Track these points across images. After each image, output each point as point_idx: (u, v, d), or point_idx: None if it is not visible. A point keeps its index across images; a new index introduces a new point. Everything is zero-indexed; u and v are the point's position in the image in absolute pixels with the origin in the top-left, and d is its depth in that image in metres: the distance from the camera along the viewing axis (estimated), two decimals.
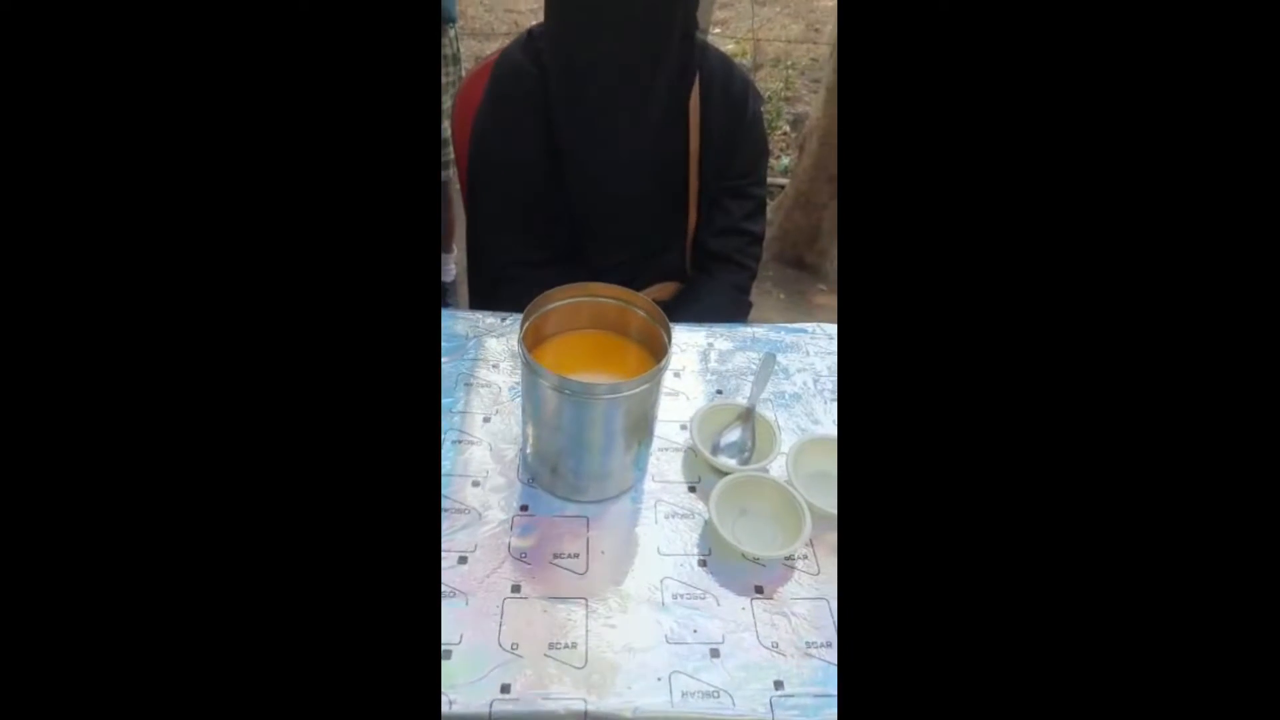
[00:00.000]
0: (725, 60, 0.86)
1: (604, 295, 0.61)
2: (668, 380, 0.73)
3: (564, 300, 0.60)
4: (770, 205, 2.23)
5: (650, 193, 0.85)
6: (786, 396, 0.73)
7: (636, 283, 0.92)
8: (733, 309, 0.92)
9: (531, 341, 0.59)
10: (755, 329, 0.82)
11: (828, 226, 1.99)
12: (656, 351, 0.59)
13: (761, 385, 0.69)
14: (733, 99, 0.85)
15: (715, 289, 0.91)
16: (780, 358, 0.77)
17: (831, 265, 2.11)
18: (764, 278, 2.04)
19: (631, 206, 0.85)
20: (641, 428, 0.59)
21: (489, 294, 0.90)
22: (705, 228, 0.91)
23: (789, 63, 3.13)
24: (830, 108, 1.83)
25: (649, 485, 0.63)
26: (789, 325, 0.83)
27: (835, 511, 0.60)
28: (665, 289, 0.93)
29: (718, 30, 3.55)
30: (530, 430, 0.58)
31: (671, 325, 0.81)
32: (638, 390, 0.53)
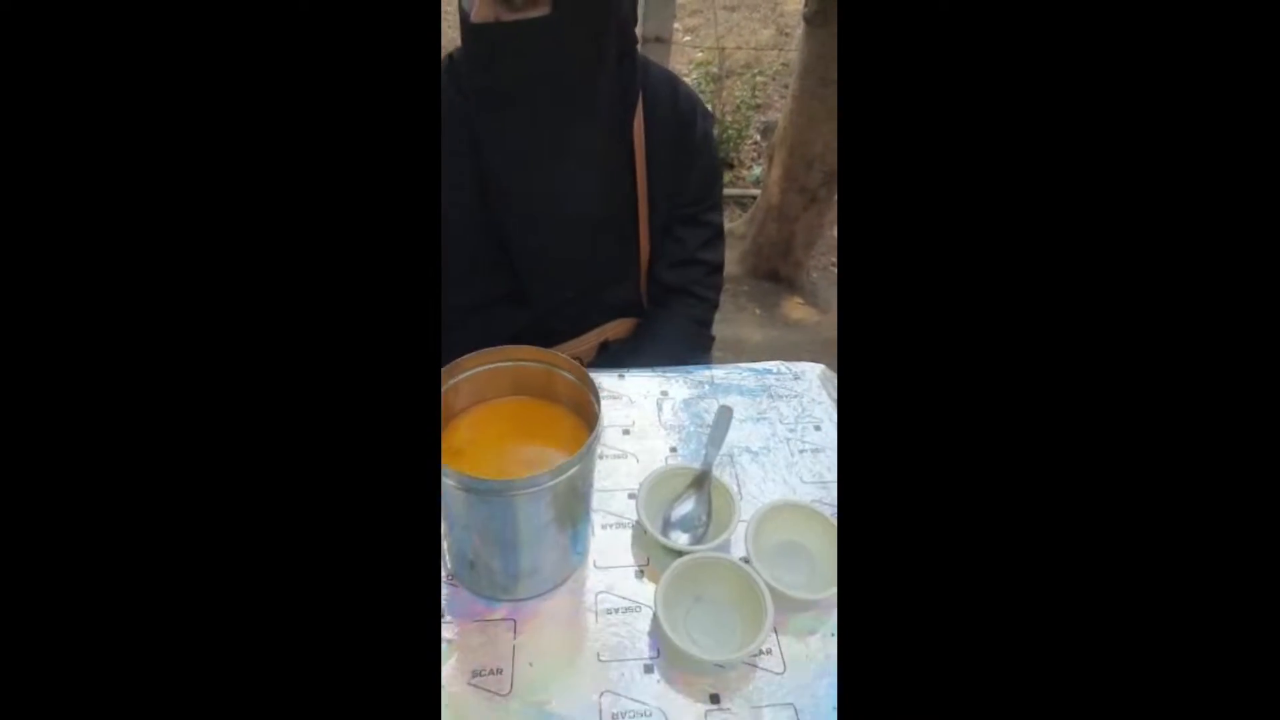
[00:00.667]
0: (670, 78, 0.79)
1: (524, 358, 0.53)
2: (615, 440, 0.65)
3: (479, 367, 0.52)
4: (743, 218, 2.16)
5: (595, 224, 0.77)
6: (751, 451, 0.65)
7: (588, 321, 0.84)
8: (693, 345, 0.84)
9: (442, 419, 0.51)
10: (716, 371, 0.74)
11: (801, 238, 1.93)
12: (589, 418, 0.51)
13: (718, 444, 0.60)
14: (680, 119, 0.77)
15: (673, 325, 0.83)
16: (744, 403, 0.69)
17: (807, 277, 2.04)
18: (739, 293, 1.97)
19: (574, 239, 0.77)
20: (574, 512, 0.50)
21: None
22: (659, 259, 0.83)
23: (758, 69, 3.07)
24: (798, 116, 1.76)
25: (589, 573, 0.55)
26: (753, 365, 0.75)
27: (804, 595, 0.52)
28: (621, 326, 0.85)
29: (688, 38, 3.49)
30: (444, 524, 0.50)
31: (624, 372, 0.74)
32: (563, 479, 0.45)
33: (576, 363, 0.51)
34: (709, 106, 2.82)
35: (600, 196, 0.75)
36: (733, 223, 2.19)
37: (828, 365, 0.75)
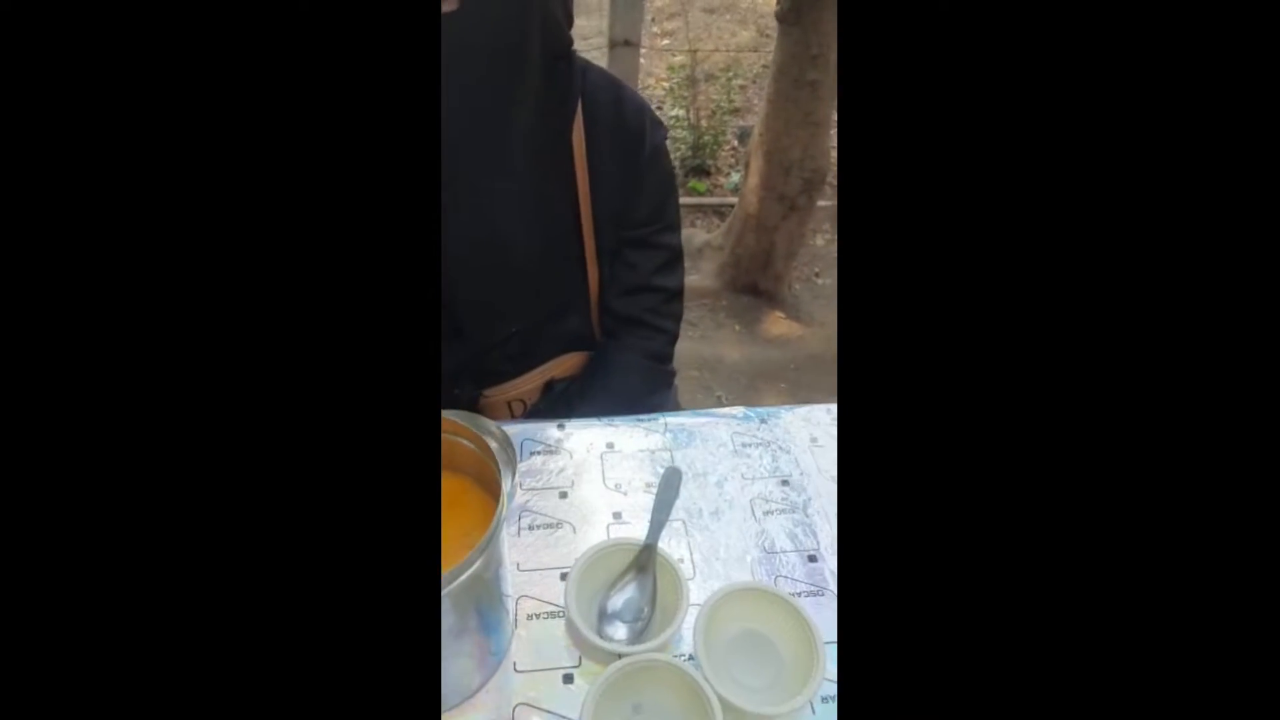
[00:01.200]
0: (613, 84, 0.70)
1: None
2: (550, 506, 0.56)
3: None
4: (720, 229, 2.08)
5: (532, 248, 0.68)
6: (704, 516, 0.56)
7: (532, 358, 0.75)
8: (649, 383, 0.76)
9: None
10: (670, 418, 0.65)
11: (781, 249, 1.85)
12: (497, 493, 0.42)
13: (664, 513, 0.52)
14: (626, 130, 0.69)
15: (625, 360, 0.74)
16: (702, 457, 0.60)
17: (788, 290, 1.96)
18: (717, 308, 1.88)
19: (510, 267, 0.68)
20: (483, 612, 0.41)
21: None
22: (610, 287, 0.74)
23: (734, 72, 3.00)
24: (773, 120, 1.68)
25: (508, 679, 0.45)
26: (715, 411, 0.66)
27: (762, 709, 0.43)
28: (568, 362, 0.76)
29: (665, 42, 3.42)
30: None
31: (564, 421, 0.65)
32: (456, 584, 0.36)
33: (475, 428, 0.42)
34: (684, 111, 2.77)
35: (532, 218, 0.66)
36: (710, 234, 2.11)
37: (814, 381, 0.66)
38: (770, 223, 1.80)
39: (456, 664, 0.42)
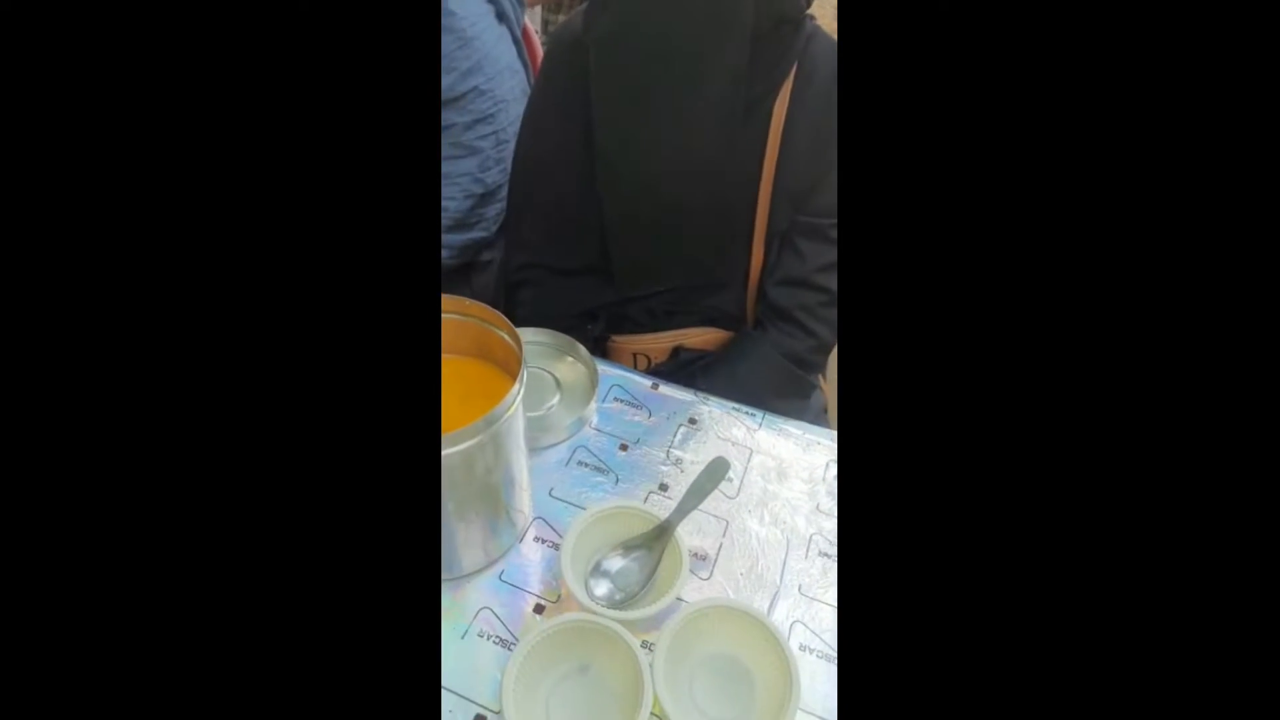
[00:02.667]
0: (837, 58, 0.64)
1: (453, 311, 0.47)
2: (605, 453, 0.55)
3: None
4: None
5: (698, 214, 0.66)
6: (749, 530, 0.51)
7: (673, 320, 0.75)
8: (781, 386, 0.70)
9: None
10: (774, 418, 0.60)
11: None
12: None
13: (695, 500, 0.48)
14: (835, 109, 0.63)
15: (762, 355, 0.69)
16: (781, 470, 0.55)
17: None
18: None
19: (671, 227, 0.67)
20: (481, 499, 0.43)
21: (508, 296, 0.80)
22: (771, 272, 0.70)
23: None
24: None
25: (490, 582, 0.47)
26: (811, 425, 0.59)
27: None
28: (707, 336, 0.74)
29: None
30: None
31: (660, 382, 0.63)
32: (455, 450, 0.39)
33: (508, 320, 0.44)
34: None
35: (713, 185, 0.64)
36: None
37: None
38: None
39: (456, 539, 0.45)
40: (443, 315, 0.46)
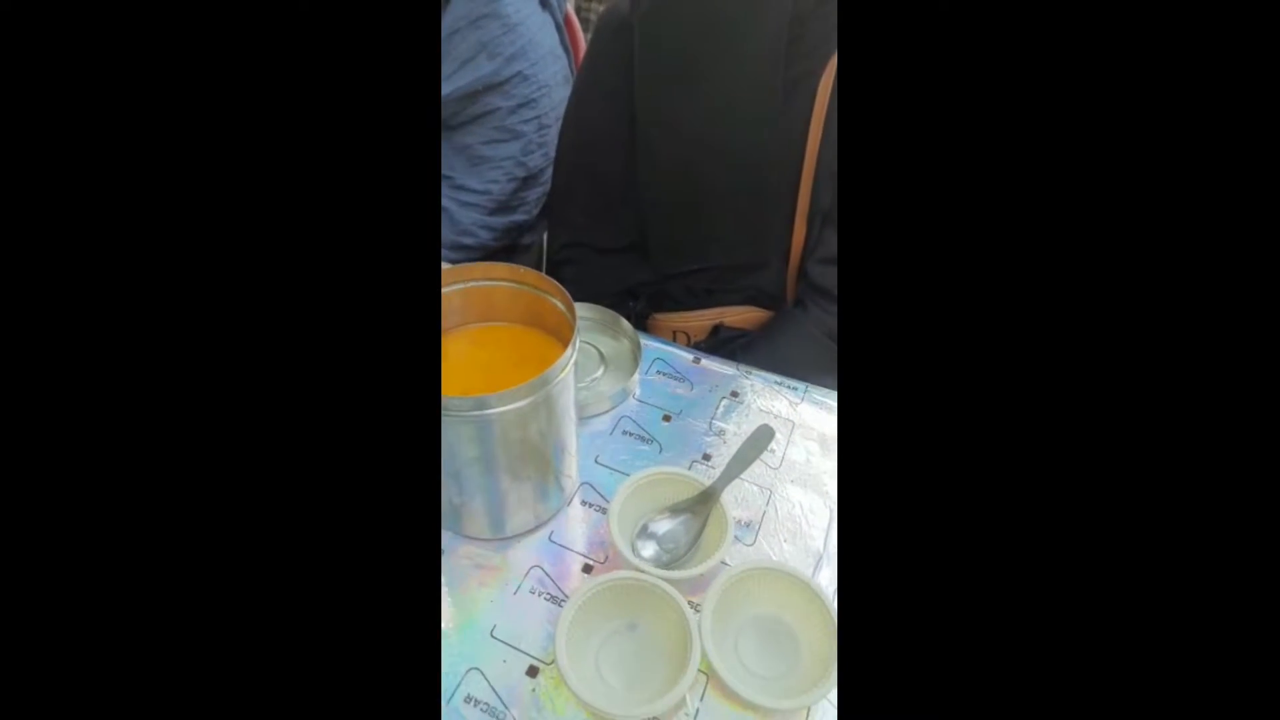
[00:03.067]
0: None
1: (508, 279, 0.48)
2: (649, 423, 0.57)
3: (469, 283, 0.48)
4: None
5: (739, 193, 0.67)
6: (792, 499, 0.52)
7: (714, 299, 0.75)
8: (822, 363, 0.70)
9: None
10: (821, 393, 0.60)
11: None
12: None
13: (740, 467, 0.49)
14: None
15: (802, 333, 0.70)
16: (826, 444, 0.55)
17: None
18: None
19: (711, 205, 0.68)
20: (531, 461, 0.45)
21: (551, 275, 0.81)
22: (812, 251, 0.70)
23: None
24: None
25: (540, 543, 0.49)
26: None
27: (762, 700, 0.40)
28: (748, 314, 0.75)
29: None
30: None
31: (702, 356, 0.64)
32: (507, 409, 0.40)
33: (561, 288, 0.45)
34: None
35: (755, 161, 0.65)
36: None
37: None
38: None
39: (480, 499, 0.46)
40: (497, 283, 0.48)
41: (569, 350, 0.42)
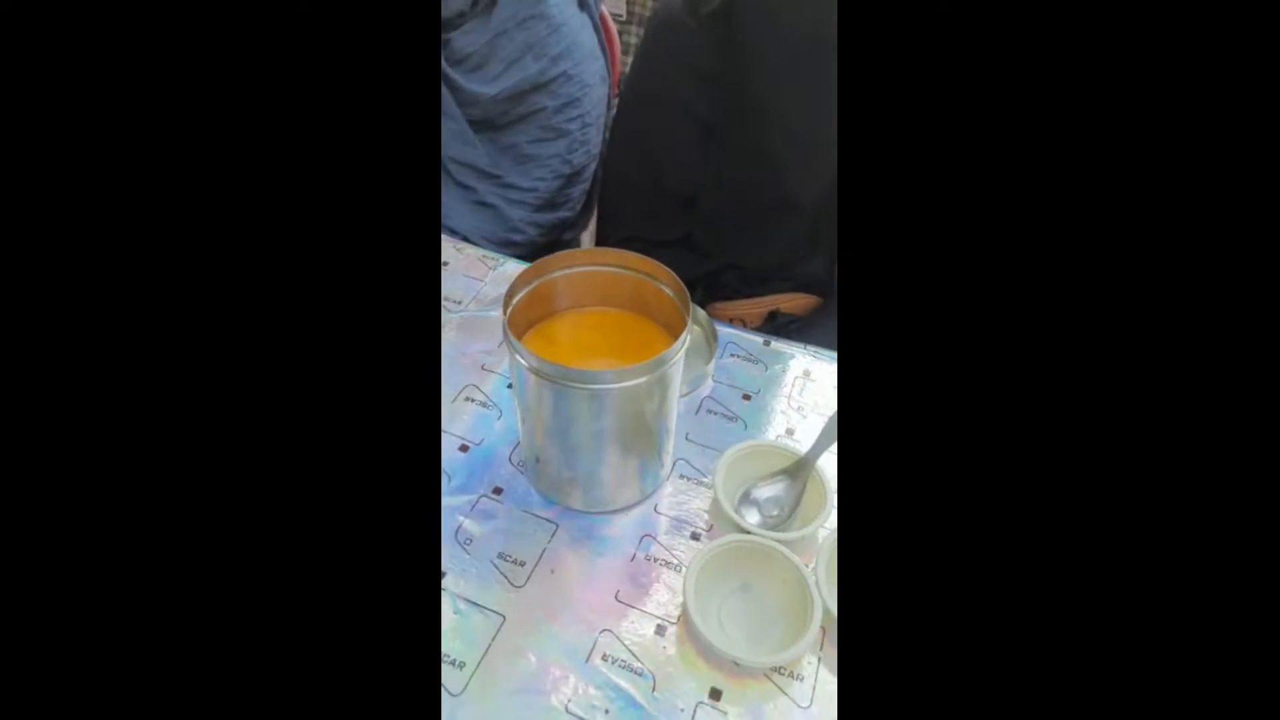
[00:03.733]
0: None
1: (613, 264, 0.51)
2: (732, 402, 0.60)
3: (574, 268, 0.51)
4: None
5: (819, 194, 0.70)
6: None
7: (768, 287, 0.78)
8: None
9: (536, 313, 0.51)
10: None
11: None
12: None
13: (828, 440, 0.52)
14: None
15: None
16: None
17: None
18: None
19: (795, 212, 0.71)
20: (641, 437, 0.47)
21: None
22: None
23: None
24: None
25: (646, 513, 0.51)
26: None
27: None
28: (801, 301, 0.78)
29: None
30: (518, 411, 0.51)
31: (770, 339, 0.67)
32: (625, 385, 0.43)
33: (674, 275, 0.48)
34: None
35: (825, 171, 0.67)
36: None
37: None
38: None
39: (610, 474, 0.49)
40: (603, 268, 0.51)
41: (684, 335, 0.45)
